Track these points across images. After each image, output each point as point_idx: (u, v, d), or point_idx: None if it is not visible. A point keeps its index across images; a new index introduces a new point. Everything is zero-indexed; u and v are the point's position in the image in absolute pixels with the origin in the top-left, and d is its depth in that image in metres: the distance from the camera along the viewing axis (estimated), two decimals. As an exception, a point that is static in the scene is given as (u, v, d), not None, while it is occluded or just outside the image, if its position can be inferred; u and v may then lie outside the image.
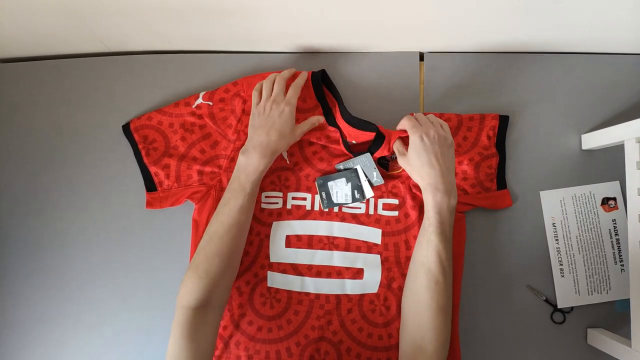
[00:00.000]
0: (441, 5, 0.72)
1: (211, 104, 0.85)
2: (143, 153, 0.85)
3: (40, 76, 0.91)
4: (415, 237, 0.81)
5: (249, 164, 0.76)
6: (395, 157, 0.81)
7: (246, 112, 0.84)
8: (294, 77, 0.84)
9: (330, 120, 0.84)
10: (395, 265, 0.82)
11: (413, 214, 0.82)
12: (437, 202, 0.73)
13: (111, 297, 0.86)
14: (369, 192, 0.83)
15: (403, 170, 0.83)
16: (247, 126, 0.82)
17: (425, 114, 0.79)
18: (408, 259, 0.82)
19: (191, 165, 0.84)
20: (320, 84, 0.85)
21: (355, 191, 0.83)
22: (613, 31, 0.80)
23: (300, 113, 0.84)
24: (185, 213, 0.86)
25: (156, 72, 0.90)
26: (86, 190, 0.88)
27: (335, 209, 0.84)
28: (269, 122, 0.77)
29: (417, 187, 0.82)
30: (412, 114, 0.79)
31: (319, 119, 0.83)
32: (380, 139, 0.81)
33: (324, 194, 0.83)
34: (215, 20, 0.78)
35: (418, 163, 0.74)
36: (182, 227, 0.86)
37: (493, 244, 0.85)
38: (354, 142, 0.83)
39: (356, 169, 0.83)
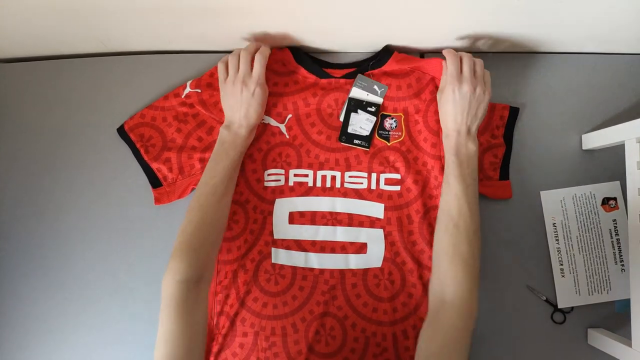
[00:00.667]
0: (441, 5, 0.72)
1: (199, 91, 0.86)
2: (142, 151, 0.85)
3: (40, 76, 0.90)
4: (417, 212, 0.83)
5: (237, 140, 0.79)
6: (396, 126, 0.83)
7: None
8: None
9: (321, 74, 0.86)
10: (399, 239, 0.83)
11: (415, 189, 0.83)
12: (454, 144, 0.75)
13: (111, 297, 0.86)
14: (378, 99, 0.84)
15: (403, 139, 0.84)
16: None
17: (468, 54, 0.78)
18: (411, 233, 0.83)
19: (191, 154, 0.85)
20: (299, 50, 0.87)
21: (368, 108, 0.84)
22: (613, 31, 0.80)
23: (279, 76, 0.86)
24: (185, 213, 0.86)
25: (156, 72, 0.90)
26: (86, 190, 0.88)
27: (338, 185, 0.84)
28: (245, 104, 0.79)
29: (418, 160, 0.83)
30: (458, 54, 0.78)
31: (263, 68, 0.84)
32: (385, 54, 0.85)
33: (356, 141, 0.84)
34: (215, 20, 0.78)
35: (444, 109, 0.78)
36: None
37: (493, 243, 0.85)
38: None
39: (349, 98, 0.85)
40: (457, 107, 0.75)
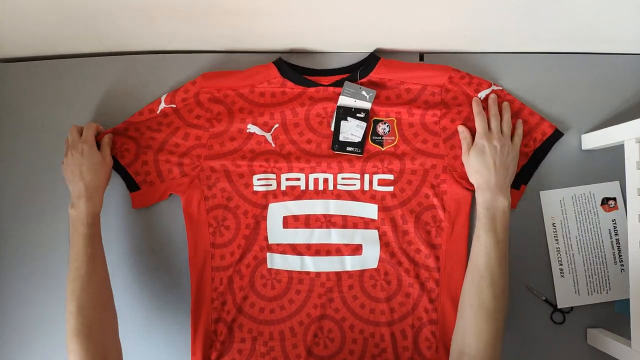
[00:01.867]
0: (441, 5, 0.72)
1: (174, 106, 0.86)
2: (118, 156, 0.85)
3: (40, 76, 0.91)
4: (412, 212, 0.83)
5: (80, 213, 0.77)
6: (389, 131, 0.83)
7: (213, 100, 0.85)
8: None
9: (309, 84, 0.86)
10: (394, 239, 0.83)
11: (409, 189, 0.83)
12: (486, 199, 0.75)
13: (111, 297, 0.86)
14: (366, 105, 0.84)
15: (397, 143, 0.84)
16: (217, 114, 0.85)
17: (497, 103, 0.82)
18: (405, 233, 0.83)
19: (169, 159, 0.85)
20: (284, 64, 0.86)
21: (357, 114, 0.84)
22: (613, 31, 0.80)
23: (267, 87, 0.86)
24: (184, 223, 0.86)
25: (156, 72, 0.90)
26: (86, 190, 0.88)
27: (330, 187, 0.84)
28: (77, 167, 0.79)
29: (416, 161, 0.83)
30: (483, 104, 0.83)
31: (109, 135, 0.84)
32: (372, 60, 0.85)
33: (349, 148, 0.84)
34: (215, 20, 0.78)
35: (475, 165, 0.78)
36: (182, 225, 0.86)
37: (493, 244, 0.85)
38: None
39: (338, 106, 0.85)
40: (488, 160, 0.77)
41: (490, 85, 0.85)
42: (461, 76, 0.84)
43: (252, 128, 0.85)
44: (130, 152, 0.85)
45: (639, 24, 0.77)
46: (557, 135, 0.84)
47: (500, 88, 0.85)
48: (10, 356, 0.86)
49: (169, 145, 0.85)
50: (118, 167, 0.86)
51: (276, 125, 0.85)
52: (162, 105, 0.86)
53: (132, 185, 0.86)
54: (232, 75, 0.86)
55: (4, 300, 0.87)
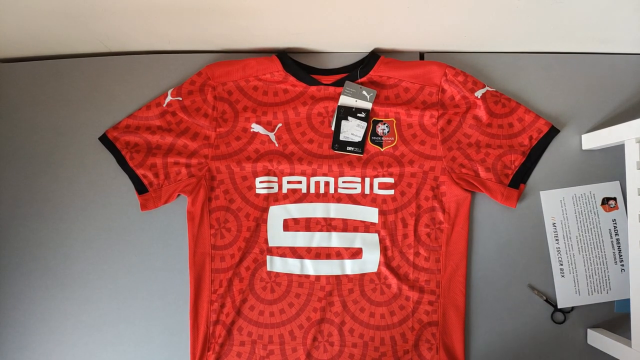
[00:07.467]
0: (442, 5, 0.72)
1: (181, 99, 0.86)
2: (127, 157, 0.85)
3: (40, 76, 0.90)
4: (411, 215, 0.83)
5: None
6: (388, 132, 0.83)
7: (218, 98, 0.86)
8: None
9: (310, 81, 0.86)
10: (394, 243, 0.83)
11: (409, 192, 0.84)
12: None
13: (111, 297, 0.86)
14: (367, 105, 0.84)
15: (396, 144, 0.84)
16: (223, 112, 0.85)
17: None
18: (405, 236, 0.83)
19: (177, 160, 0.85)
20: (288, 57, 0.86)
21: (358, 114, 0.84)
22: (613, 31, 0.80)
23: (268, 85, 0.86)
24: (184, 212, 0.86)
25: (156, 72, 0.90)
26: (86, 190, 0.88)
27: (331, 190, 0.84)
28: None
29: (414, 163, 0.84)
30: None
31: None
32: (372, 59, 0.85)
33: (349, 148, 0.84)
34: (215, 20, 0.78)
35: None
36: (182, 226, 0.86)
37: (493, 244, 0.85)
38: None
39: (339, 106, 0.85)
40: None
41: (484, 85, 0.85)
42: (456, 73, 0.84)
43: (255, 127, 0.85)
44: (140, 153, 0.85)
45: (639, 24, 0.77)
46: (553, 132, 0.84)
47: (494, 89, 0.85)
48: (10, 356, 0.86)
49: (178, 146, 0.85)
50: (126, 168, 0.86)
51: (279, 125, 0.86)
52: (169, 98, 0.86)
53: (140, 188, 0.86)
54: (236, 64, 0.86)
55: (4, 300, 0.87)
